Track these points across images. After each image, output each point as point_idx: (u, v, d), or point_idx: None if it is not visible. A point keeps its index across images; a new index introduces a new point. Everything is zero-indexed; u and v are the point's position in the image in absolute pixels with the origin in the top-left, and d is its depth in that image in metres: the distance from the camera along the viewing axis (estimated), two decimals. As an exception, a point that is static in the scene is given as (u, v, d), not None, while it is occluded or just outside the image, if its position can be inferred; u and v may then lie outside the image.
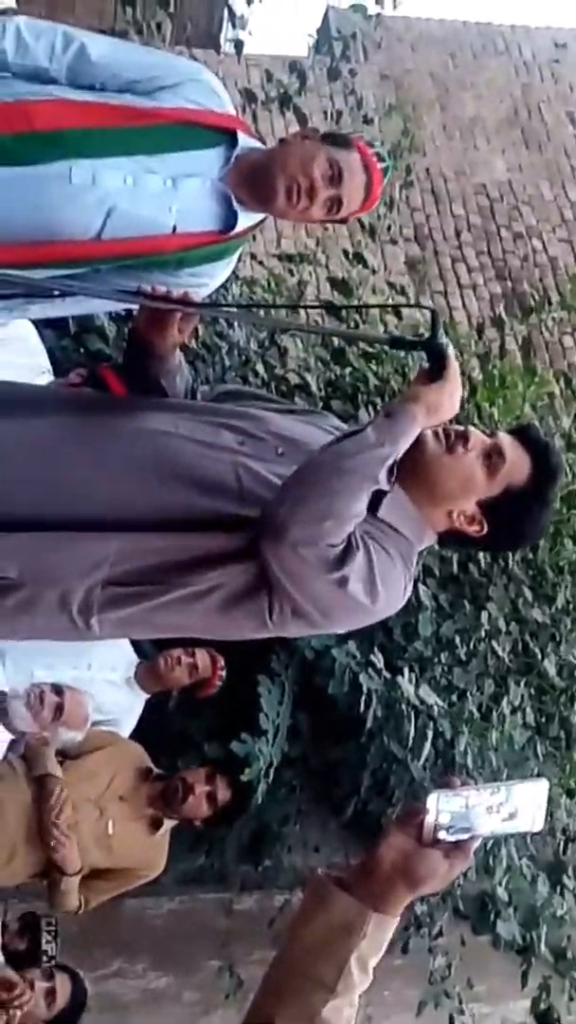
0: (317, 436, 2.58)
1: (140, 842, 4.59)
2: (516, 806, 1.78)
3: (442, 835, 1.74)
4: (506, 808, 1.77)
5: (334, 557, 2.28)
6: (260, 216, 2.94)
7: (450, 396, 2.46)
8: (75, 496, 2.40)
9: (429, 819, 1.74)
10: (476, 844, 1.78)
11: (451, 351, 2.48)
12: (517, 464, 2.51)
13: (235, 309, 4.68)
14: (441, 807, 1.74)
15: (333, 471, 2.31)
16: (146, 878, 4.66)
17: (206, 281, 2.96)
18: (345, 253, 6.19)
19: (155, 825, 4.58)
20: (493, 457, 2.49)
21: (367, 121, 6.39)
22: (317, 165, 2.81)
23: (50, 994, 4.30)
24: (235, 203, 2.83)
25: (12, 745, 4.34)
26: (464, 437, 2.49)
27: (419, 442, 2.47)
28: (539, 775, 4.35)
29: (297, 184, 2.80)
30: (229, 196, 2.83)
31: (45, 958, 4.49)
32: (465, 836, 1.76)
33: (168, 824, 4.63)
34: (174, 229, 2.78)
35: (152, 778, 4.65)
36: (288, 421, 2.61)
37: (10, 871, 4.39)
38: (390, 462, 2.36)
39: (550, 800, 4.89)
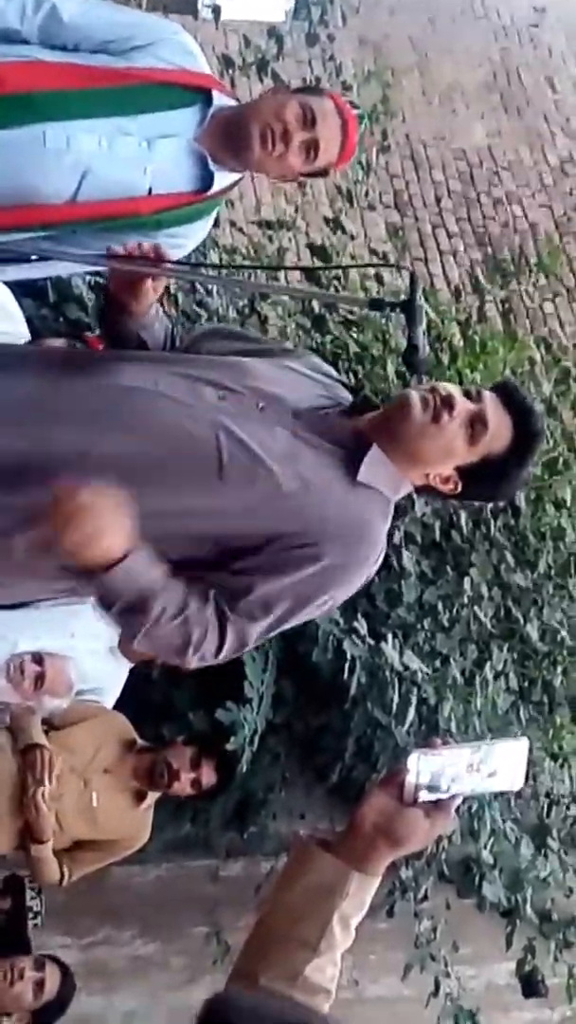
0: (297, 384, 2.57)
1: (124, 814, 4.57)
2: (496, 765, 1.79)
3: (423, 795, 1.75)
4: (486, 767, 1.78)
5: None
6: (237, 175, 2.93)
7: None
8: (58, 451, 2.39)
9: (409, 779, 1.74)
10: (456, 803, 1.79)
11: None
12: (499, 431, 2.50)
13: (214, 272, 4.63)
14: (421, 767, 1.74)
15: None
16: (129, 850, 4.65)
17: (183, 242, 2.94)
18: (325, 220, 6.16)
19: (139, 797, 4.58)
20: (476, 426, 2.48)
21: (346, 88, 6.35)
22: (290, 109, 2.80)
23: (39, 984, 4.31)
24: (211, 163, 2.82)
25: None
26: (450, 404, 2.46)
27: (405, 409, 2.46)
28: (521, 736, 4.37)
29: (271, 129, 2.79)
30: (205, 156, 2.81)
31: (31, 914, 4.50)
32: (445, 795, 1.76)
33: (152, 796, 4.62)
34: (150, 191, 2.77)
35: (137, 750, 4.64)
36: (268, 369, 2.58)
37: None
38: None
39: (534, 764, 4.91)
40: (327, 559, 2.41)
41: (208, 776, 4.61)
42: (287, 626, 2.54)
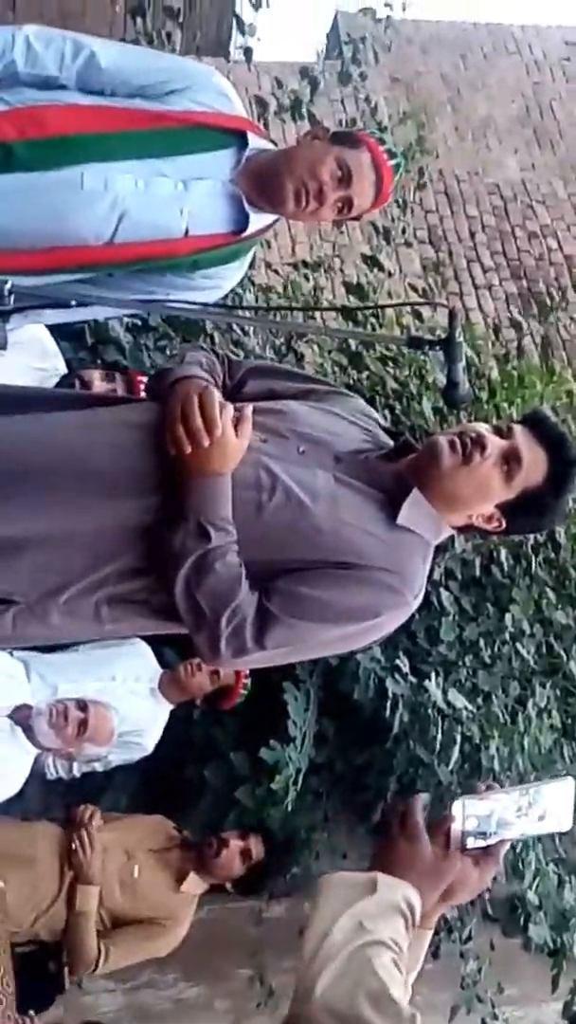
0: (339, 429, 2.56)
1: (165, 892, 4.61)
2: (545, 807, 1.76)
3: (470, 842, 1.72)
4: (535, 810, 1.75)
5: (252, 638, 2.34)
6: (272, 217, 2.93)
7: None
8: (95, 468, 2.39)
9: (455, 826, 1.71)
10: (505, 848, 1.76)
11: None
12: (534, 465, 2.48)
13: (251, 314, 4.65)
14: (468, 813, 1.72)
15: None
16: (168, 935, 4.64)
17: (220, 283, 2.95)
18: (363, 257, 6.17)
19: (180, 878, 4.61)
20: (511, 463, 2.46)
21: (382, 129, 6.38)
22: (325, 167, 2.79)
23: None
24: (246, 204, 2.82)
25: (37, 759, 4.33)
26: (480, 444, 2.44)
27: (434, 454, 2.45)
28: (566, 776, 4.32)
29: (306, 187, 2.79)
30: (240, 197, 2.82)
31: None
32: (494, 841, 1.73)
33: (197, 884, 4.65)
34: (186, 232, 2.77)
35: (181, 841, 4.72)
36: (311, 413, 2.57)
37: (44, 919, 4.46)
38: None
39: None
40: (366, 592, 2.40)
41: (257, 848, 4.66)
42: (319, 649, 2.56)
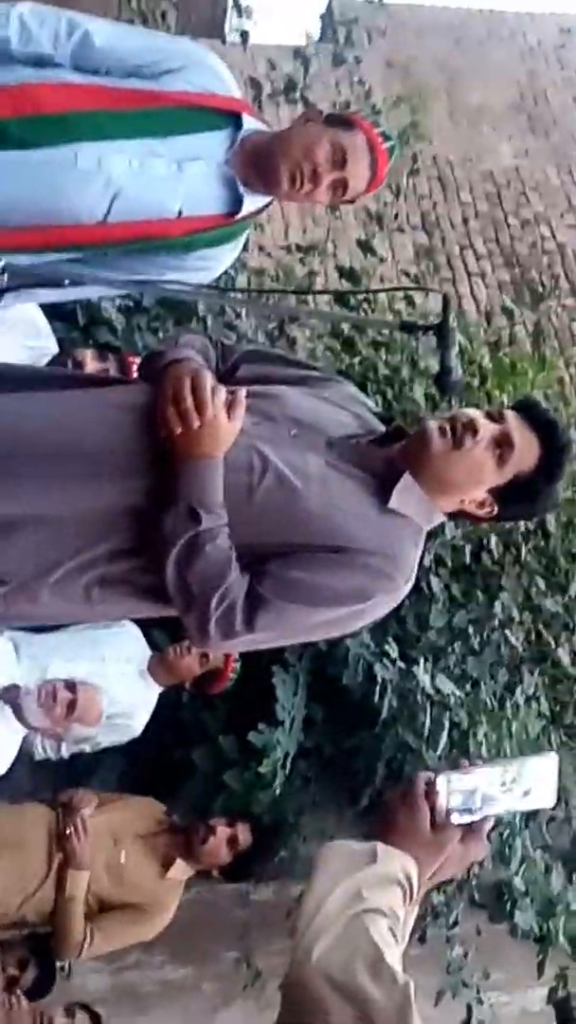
0: (331, 414, 2.56)
1: (151, 879, 4.60)
2: (529, 782, 1.76)
3: (455, 817, 1.72)
4: (519, 785, 1.75)
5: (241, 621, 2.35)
6: (266, 199, 2.93)
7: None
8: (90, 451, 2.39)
9: (440, 802, 1.72)
10: (489, 825, 1.76)
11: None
12: (526, 449, 2.48)
13: (243, 296, 4.64)
14: (453, 788, 1.72)
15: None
16: (152, 921, 4.64)
17: (213, 264, 2.95)
18: (357, 242, 6.16)
19: (167, 864, 4.61)
20: (502, 447, 2.46)
21: (376, 112, 6.36)
22: (320, 149, 2.79)
23: None
24: (240, 186, 2.82)
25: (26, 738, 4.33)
26: (472, 428, 2.45)
27: (424, 439, 2.46)
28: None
29: (301, 169, 2.79)
30: (234, 179, 2.81)
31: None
32: (479, 817, 1.74)
33: (184, 870, 4.65)
34: (179, 213, 2.77)
35: (169, 825, 4.71)
36: (303, 398, 2.57)
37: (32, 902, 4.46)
38: None
39: (566, 789, 4.85)
40: (357, 576, 2.40)
41: (244, 835, 4.65)
42: (309, 632, 2.56)
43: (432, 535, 2.81)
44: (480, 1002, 5.19)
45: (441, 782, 1.72)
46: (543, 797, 1.79)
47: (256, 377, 2.61)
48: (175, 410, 2.31)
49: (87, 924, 4.45)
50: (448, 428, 2.46)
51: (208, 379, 2.35)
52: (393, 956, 1.53)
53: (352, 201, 2.97)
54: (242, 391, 2.39)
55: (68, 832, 4.41)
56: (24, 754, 4.36)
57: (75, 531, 2.35)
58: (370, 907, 1.57)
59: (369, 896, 1.59)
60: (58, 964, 4.61)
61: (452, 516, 2.62)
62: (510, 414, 2.52)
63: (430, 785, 1.74)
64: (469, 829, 1.74)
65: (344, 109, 6.57)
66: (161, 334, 5.08)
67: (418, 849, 1.70)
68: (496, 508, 2.56)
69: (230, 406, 2.34)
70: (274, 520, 2.39)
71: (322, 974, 1.50)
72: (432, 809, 1.72)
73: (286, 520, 2.39)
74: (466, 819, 1.73)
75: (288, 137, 2.86)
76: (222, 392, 2.34)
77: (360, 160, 2.82)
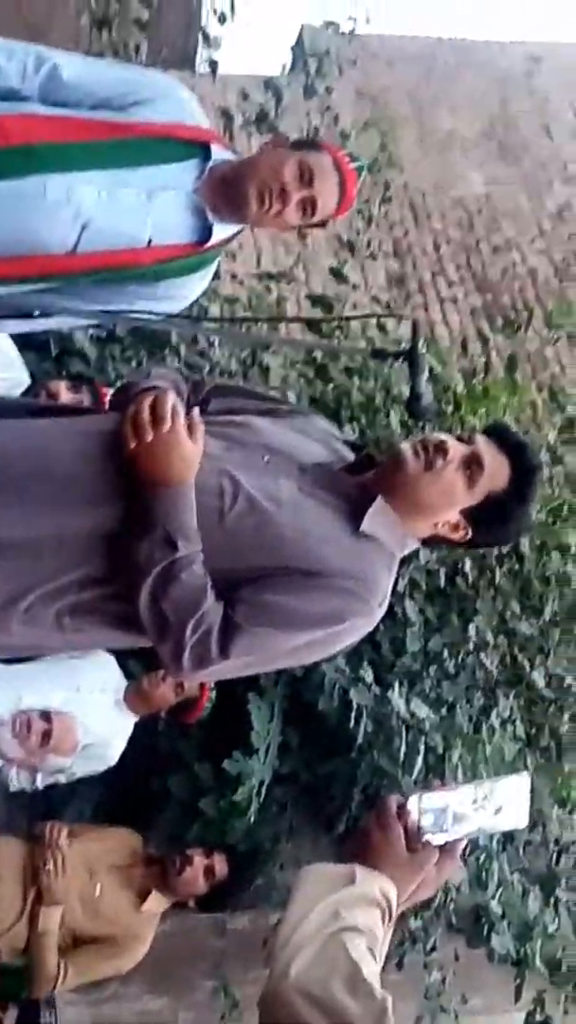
0: (302, 443, 2.58)
1: (127, 911, 4.58)
2: (501, 801, 1.77)
3: (428, 837, 1.73)
4: (491, 803, 1.76)
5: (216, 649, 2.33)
6: (236, 227, 2.94)
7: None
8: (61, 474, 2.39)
9: (412, 821, 1.72)
10: (462, 845, 1.77)
11: None
12: (496, 470, 2.51)
13: (216, 325, 4.66)
14: (424, 807, 1.73)
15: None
16: (127, 954, 4.61)
17: (183, 294, 2.96)
18: (330, 270, 6.20)
19: (143, 896, 4.58)
20: (472, 467, 2.49)
21: (344, 136, 6.41)
22: (287, 168, 2.81)
23: None
24: (210, 215, 2.83)
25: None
26: (442, 450, 2.49)
27: (398, 461, 2.49)
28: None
29: (269, 188, 2.80)
30: (204, 208, 2.83)
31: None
32: (452, 837, 1.75)
33: (159, 902, 4.62)
34: (149, 242, 2.77)
35: (147, 855, 4.68)
36: (274, 428, 2.59)
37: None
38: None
39: (541, 812, 4.84)
40: (330, 599, 2.41)
41: (221, 866, 4.62)
42: (284, 659, 2.54)
43: (407, 560, 2.83)
44: (459, 1027, 5.17)
45: (412, 802, 1.73)
46: (515, 817, 1.80)
47: (228, 409, 2.63)
48: (131, 424, 2.32)
49: (60, 958, 4.41)
50: (421, 449, 2.49)
51: (170, 399, 2.35)
52: (371, 972, 1.54)
53: (323, 224, 2.97)
54: (196, 411, 2.40)
55: (47, 867, 4.37)
56: (-2, 785, 4.35)
57: (46, 558, 2.35)
58: (348, 925, 1.59)
59: (347, 915, 1.60)
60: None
61: (427, 542, 2.63)
62: (480, 437, 2.56)
63: (402, 807, 1.75)
64: (443, 849, 1.75)
65: (313, 135, 6.64)
66: (134, 364, 5.09)
67: (395, 870, 1.71)
68: (470, 531, 2.58)
69: (190, 427, 2.35)
70: (246, 545, 2.40)
71: (300, 990, 1.51)
72: (406, 830, 1.73)
73: (258, 544, 2.40)
74: (440, 838, 1.74)
75: (255, 161, 2.88)
76: (182, 414, 2.35)
77: (328, 179, 2.84)
